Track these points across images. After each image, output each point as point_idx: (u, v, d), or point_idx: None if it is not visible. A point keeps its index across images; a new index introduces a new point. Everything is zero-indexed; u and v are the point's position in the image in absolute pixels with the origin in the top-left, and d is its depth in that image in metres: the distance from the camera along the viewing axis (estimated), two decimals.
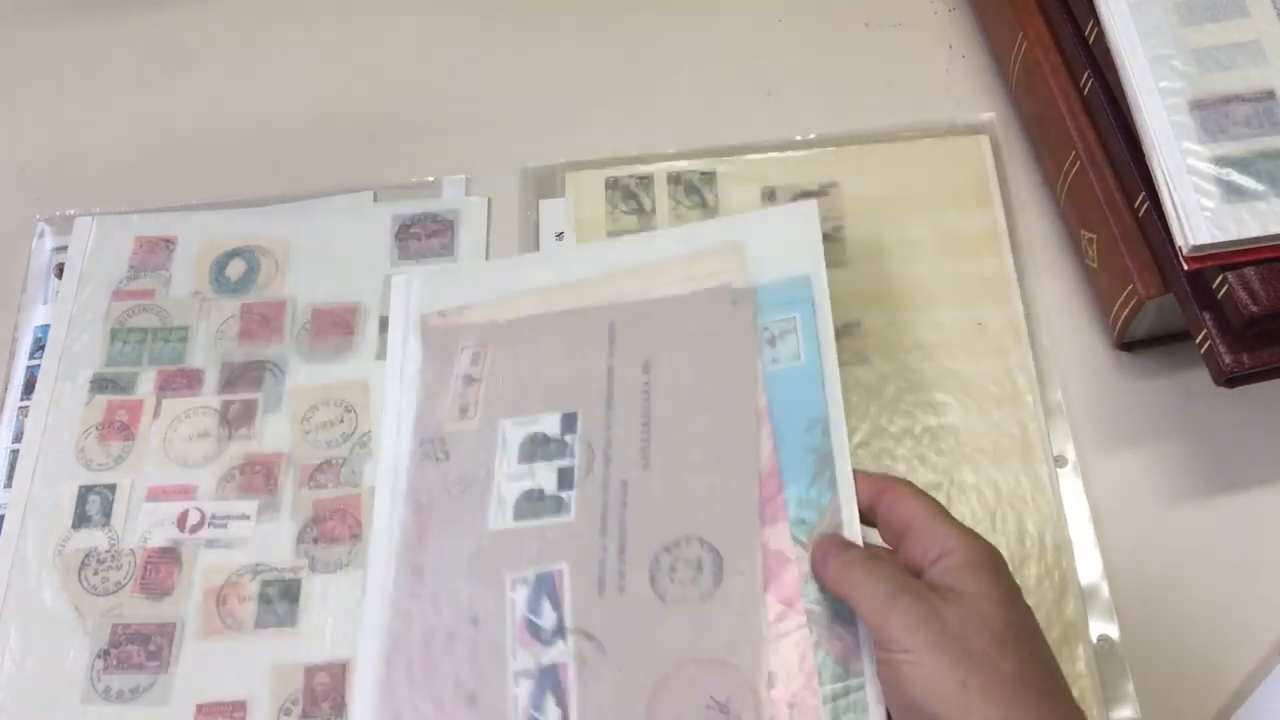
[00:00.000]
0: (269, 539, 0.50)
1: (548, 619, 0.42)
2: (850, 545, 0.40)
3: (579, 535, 0.43)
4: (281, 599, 0.49)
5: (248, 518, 0.51)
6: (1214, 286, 0.44)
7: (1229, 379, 0.45)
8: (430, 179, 0.60)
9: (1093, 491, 0.50)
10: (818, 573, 0.40)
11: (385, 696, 0.42)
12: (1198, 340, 0.46)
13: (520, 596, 0.42)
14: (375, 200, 0.59)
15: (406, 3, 0.66)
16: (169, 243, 0.58)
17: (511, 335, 0.48)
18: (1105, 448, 0.51)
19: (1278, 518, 0.49)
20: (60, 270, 0.58)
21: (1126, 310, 0.50)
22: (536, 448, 0.45)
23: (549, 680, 0.41)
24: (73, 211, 0.60)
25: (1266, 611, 0.47)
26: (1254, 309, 0.43)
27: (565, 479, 0.44)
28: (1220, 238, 0.43)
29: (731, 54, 0.63)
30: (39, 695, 0.48)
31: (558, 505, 0.44)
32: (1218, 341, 0.45)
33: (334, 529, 0.50)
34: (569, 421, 0.46)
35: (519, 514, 0.44)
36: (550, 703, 0.40)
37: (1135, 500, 0.50)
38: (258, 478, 0.51)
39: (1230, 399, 0.50)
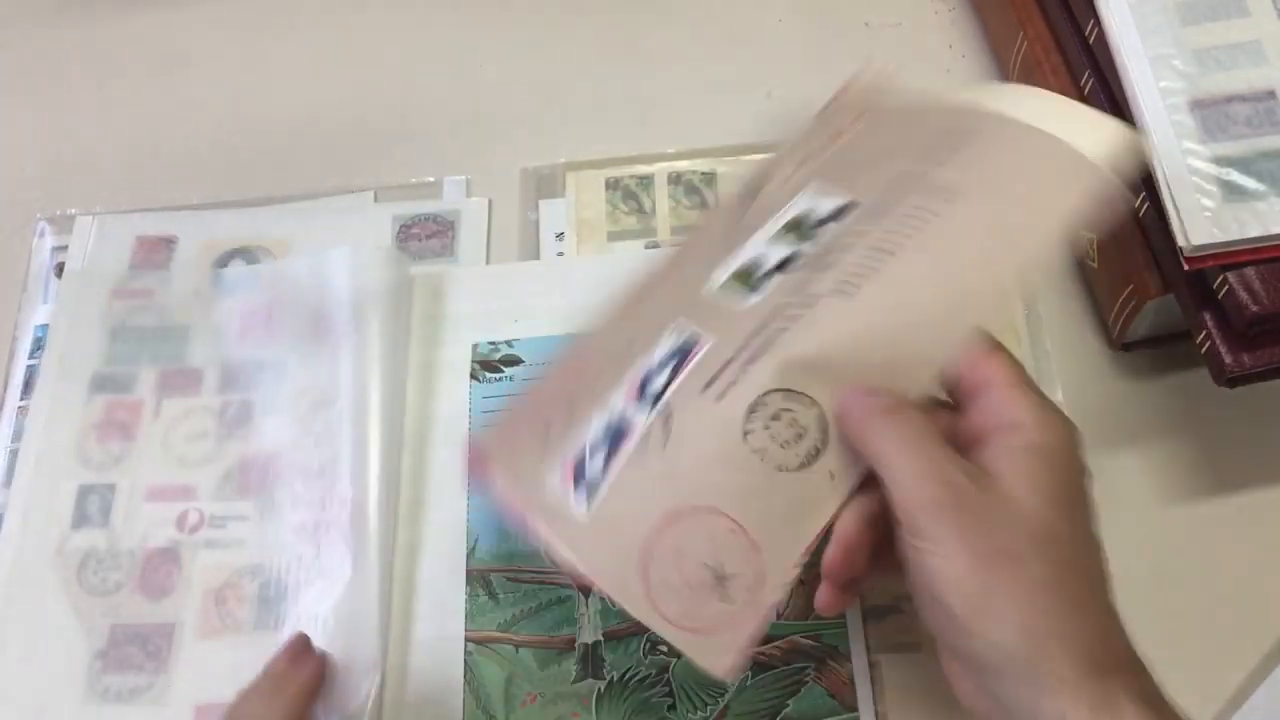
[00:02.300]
0: (268, 540, 0.50)
1: (657, 382, 0.39)
2: (875, 391, 0.36)
3: (738, 324, 0.39)
4: (281, 600, 0.49)
5: (247, 518, 0.50)
6: (1214, 286, 0.44)
7: (1229, 379, 0.45)
8: (431, 179, 0.60)
9: (1093, 491, 0.49)
10: (840, 425, 0.36)
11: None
12: (1198, 340, 0.46)
13: (665, 345, 0.40)
14: (375, 200, 0.59)
15: (407, 3, 0.66)
16: (169, 242, 0.58)
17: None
18: (1105, 448, 0.51)
19: (1278, 518, 0.49)
20: (60, 270, 0.58)
21: (1127, 310, 0.50)
22: (798, 224, 0.42)
23: (614, 434, 0.39)
24: (73, 211, 0.60)
25: (1266, 611, 0.47)
26: (1254, 309, 0.43)
27: (784, 263, 0.41)
28: (1221, 237, 0.43)
29: (731, 54, 0.63)
30: (38, 695, 0.48)
31: (756, 285, 0.41)
32: (1218, 341, 0.45)
33: None
34: (838, 211, 0.42)
35: (735, 274, 0.42)
36: (600, 455, 0.39)
37: (1135, 500, 0.50)
38: (257, 478, 0.51)
39: (1230, 399, 0.50)
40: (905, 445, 0.34)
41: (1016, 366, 0.35)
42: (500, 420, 0.43)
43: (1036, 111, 0.41)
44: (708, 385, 0.38)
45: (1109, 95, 0.49)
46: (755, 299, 0.40)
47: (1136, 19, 0.48)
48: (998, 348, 0.36)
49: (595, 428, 0.39)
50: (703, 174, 0.58)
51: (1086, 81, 0.51)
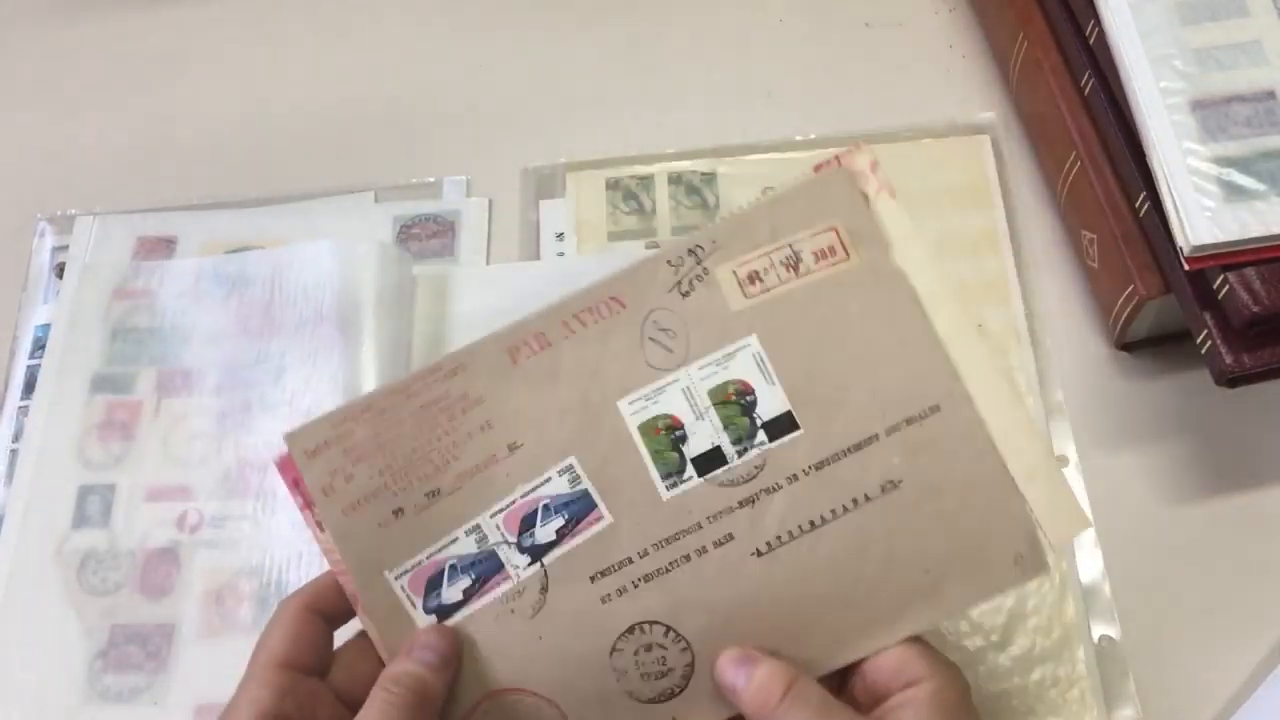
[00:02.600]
0: (268, 539, 0.50)
1: (540, 535, 0.37)
2: (756, 661, 0.36)
3: (644, 517, 0.37)
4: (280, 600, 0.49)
5: (246, 518, 0.50)
6: (1215, 286, 0.44)
7: (1229, 379, 0.45)
8: (431, 179, 0.60)
9: (1093, 492, 0.50)
10: (739, 703, 0.36)
11: None
12: (1198, 340, 0.46)
13: (555, 487, 0.38)
14: (376, 201, 0.59)
15: (407, 3, 0.66)
16: (169, 242, 0.58)
17: None
18: (1106, 448, 0.51)
19: (1278, 518, 0.49)
20: (60, 270, 0.58)
21: (1127, 310, 0.50)
22: (736, 406, 0.39)
23: (483, 570, 0.37)
24: (73, 211, 0.60)
25: (1267, 611, 0.47)
26: (1255, 309, 0.43)
27: (709, 461, 0.38)
28: (1221, 238, 0.43)
29: (731, 54, 0.63)
30: (38, 695, 0.48)
31: (672, 477, 0.38)
32: (1218, 341, 0.45)
33: None
34: (778, 424, 0.38)
35: (651, 432, 0.38)
36: (461, 584, 0.37)
37: (1136, 500, 0.50)
38: (257, 478, 0.51)
39: (1230, 399, 0.50)
40: (813, 718, 0.35)
41: None
42: (333, 420, 0.38)
43: (1010, 431, 0.37)
44: (595, 579, 0.37)
45: (1109, 95, 0.49)
46: (668, 493, 0.37)
47: (1136, 19, 0.48)
48: None
49: (463, 547, 0.37)
50: (703, 174, 0.58)
51: (1086, 82, 0.51)
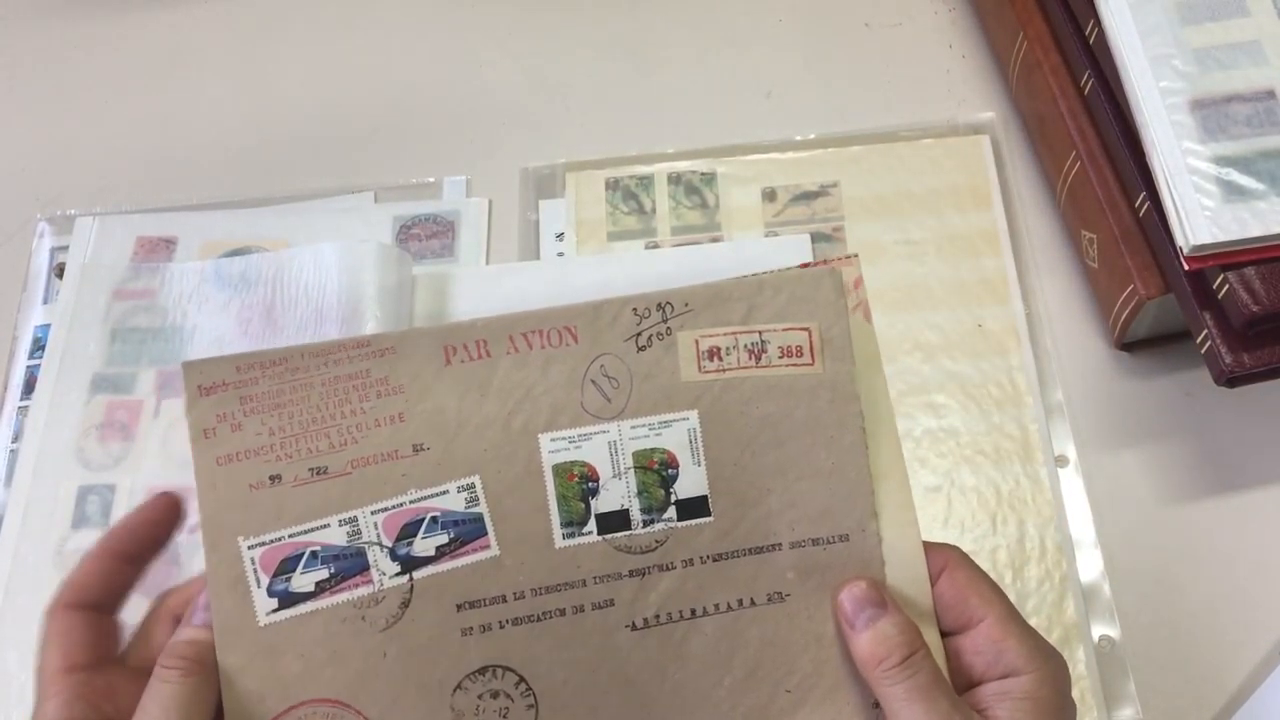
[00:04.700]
0: None
1: (418, 547, 0.35)
2: (883, 620, 0.34)
3: (531, 560, 0.36)
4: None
5: None
6: (1214, 286, 0.44)
7: (1229, 379, 0.45)
8: (431, 179, 0.60)
9: (1093, 491, 0.50)
10: (866, 649, 0.34)
11: None
12: (1198, 340, 0.46)
13: (448, 502, 0.36)
14: (376, 201, 0.59)
15: (407, 3, 0.66)
16: (169, 243, 0.58)
17: None
18: (1106, 448, 0.51)
19: (1278, 518, 0.49)
20: (60, 270, 0.58)
21: (1127, 310, 0.50)
22: (657, 475, 0.38)
23: (343, 567, 0.35)
24: (73, 211, 0.60)
25: (1267, 611, 0.47)
26: (1254, 309, 0.43)
27: (612, 521, 0.37)
28: (1221, 237, 0.43)
29: (731, 54, 0.63)
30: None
31: (571, 527, 0.36)
32: (1218, 341, 0.45)
33: None
34: (692, 506, 0.38)
35: (563, 477, 0.36)
36: (314, 576, 0.35)
37: (1136, 500, 0.50)
38: None
39: (1230, 399, 0.50)
40: (916, 695, 0.33)
41: (1000, 597, 0.35)
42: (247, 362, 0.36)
43: (905, 583, 0.36)
44: (462, 608, 0.35)
45: (1109, 95, 0.49)
46: (562, 542, 0.36)
47: (1136, 19, 0.48)
48: (982, 576, 0.35)
49: (331, 536, 0.35)
50: (703, 174, 0.58)
51: (1086, 81, 0.51)
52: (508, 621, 0.36)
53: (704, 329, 0.37)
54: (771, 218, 0.57)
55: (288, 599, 0.35)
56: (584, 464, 0.36)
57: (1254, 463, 0.50)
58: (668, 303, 0.37)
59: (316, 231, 0.58)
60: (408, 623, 0.35)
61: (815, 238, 0.55)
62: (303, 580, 0.35)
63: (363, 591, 0.35)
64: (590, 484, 0.36)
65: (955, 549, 0.36)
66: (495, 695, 0.35)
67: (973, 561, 0.36)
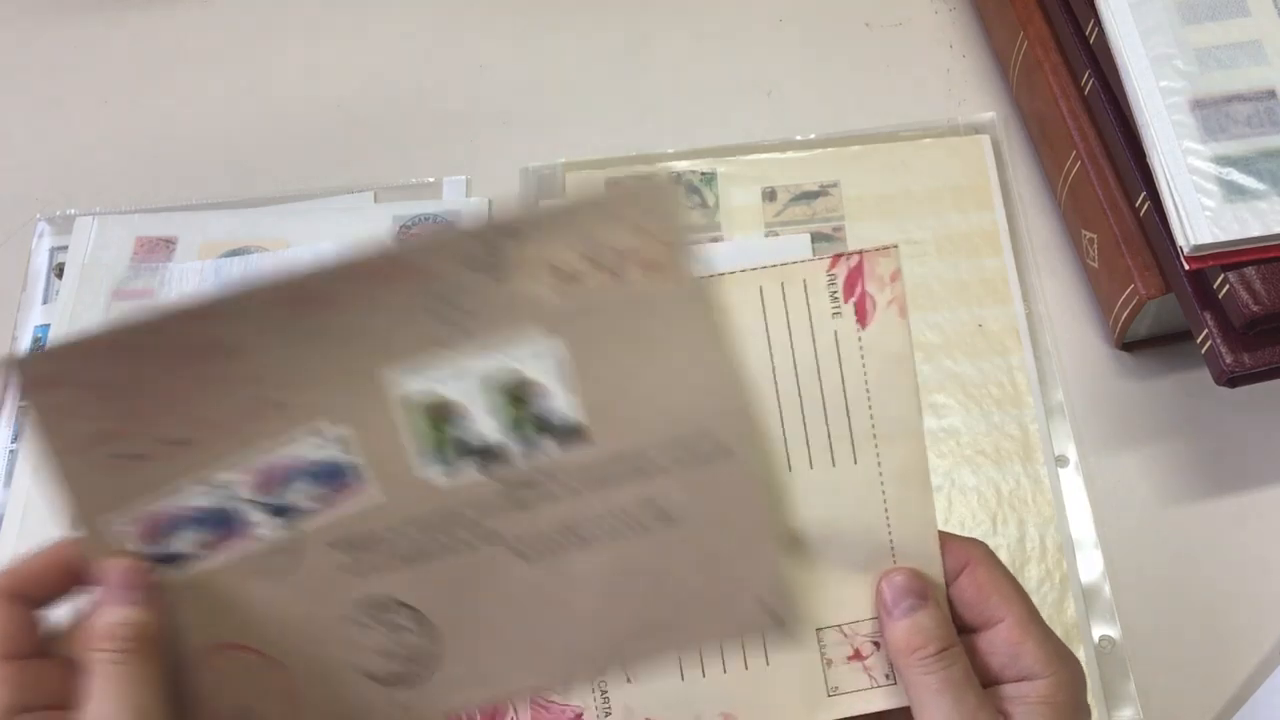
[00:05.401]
0: None
1: (297, 501, 0.36)
2: (955, 651, 0.34)
3: (410, 497, 0.36)
4: None
5: None
6: (1215, 286, 0.44)
7: (1230, 379, 0.45)
8: (430, 179, 0.60)
9: (1094, 491, 0.50)
10: (901, 639, 0.34)
11: None
12: (1198, 340, 0.46)
13: (306, 450, 0.36)
14: (375, 201, 0.59)
15: (407, 3, 0.66)
16: (169, 243, 0.58)
17: None
18: (1106, 448, 0.51)
19: (1278, 518, 0.49)
20: (60, 270, 0.58)
21: (1127, 310, 0.50)
22: (522, 406, 0.37)
23: (222, 521, 0.36)
24: (73, 211, 0.60)
25: (1267, 611, 0.47)
26: (1255, 309, 0.43)
27: (487, 454, 0.37)
28: (1221, 237, 0.43)
29: (731, 54, 0.63)
30: None
31: (449, 458, 0.36)
32: (1218, 341, 0.45)
33: None
34: (568, 432, 0.38)
35: (427, 411, 0.36)
36: (192, 534, 0.36)
37: (1136, 500, 0.50)
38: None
39: (1230, 399, 0.50)
40: (947, 687, 0.33)
41: (1021, 597, 0.35)
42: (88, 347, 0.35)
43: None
44: (349, 549, 0.36)
45: (1109, 95, 0.49)
46: (441, 480, 0.36)
47: (1137, 19, 0.48)
48: (1004, 575, 0.35)
49: (205, 499, 0.35)
50: (703, 174, 0.58)
51: (1087, 81, 0.51)
52: (396, 559, 0.36)
53: (554, 250, 0.35)
54: (772, 218, 0.57)
55: (172, 561, 0.35)
56: (451, 400, 0.36)
57: (1254, 463, 0.50)
58: (513, 227, 0.35)
59: (316, 232, 0.58)
60: (297, 568, 0.36)
61: (815, 238, 0.55)
62: (182, 542, 0.35)
63: (249, 547, 0.36)
64: (461, 420, 0.36)
65: (980, 545, 0.36)
66: (394, 628, 0.36)
67: (997, 559, 0.35)
